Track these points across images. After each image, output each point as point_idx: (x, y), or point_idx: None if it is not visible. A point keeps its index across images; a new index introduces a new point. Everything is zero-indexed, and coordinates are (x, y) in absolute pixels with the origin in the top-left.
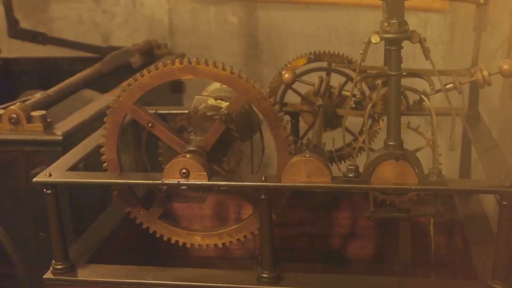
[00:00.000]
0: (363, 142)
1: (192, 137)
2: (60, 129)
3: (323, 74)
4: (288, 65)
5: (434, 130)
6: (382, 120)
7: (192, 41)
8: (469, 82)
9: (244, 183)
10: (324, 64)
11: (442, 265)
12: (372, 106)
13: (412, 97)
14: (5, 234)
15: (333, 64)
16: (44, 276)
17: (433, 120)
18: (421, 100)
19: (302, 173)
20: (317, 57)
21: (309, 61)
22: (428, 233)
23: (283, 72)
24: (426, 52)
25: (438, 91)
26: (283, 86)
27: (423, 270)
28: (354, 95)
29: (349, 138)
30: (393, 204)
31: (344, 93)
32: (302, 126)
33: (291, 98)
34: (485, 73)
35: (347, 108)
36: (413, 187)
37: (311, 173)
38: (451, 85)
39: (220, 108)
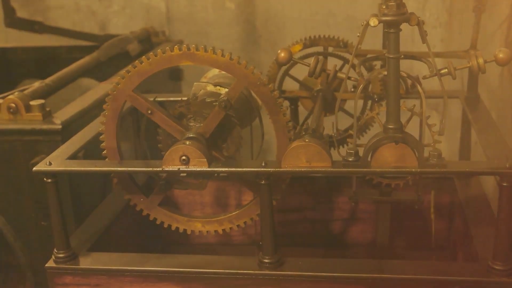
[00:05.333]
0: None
1: (191, 124)
2: (59, 118)
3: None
4: None
5: (423, 114)
6: (382, 105)
7: (189, 28)
8: (464, 68)
9: (244, 169)
10: (320, 48)
11: (443, 248)
12: (364, 87)
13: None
14: (6, 223)
15: (330, 48)
16: (46, 265)
17: (423, 105)
18: (420, 83)
19: (302, 158)
20: (313, 42)
21: (305, 46)
22: (429, 216)
23: (279, 51)
24: (423, 34)
25: (433, 75)
26: (280, 73)
27: (424, 252)
28: (349, 77)
29: (350, 121)
30: (384, 187)
31: (339, 75)
32: (302, 113)
33: (289, 86)
34: (480, 60)
35: (341, 91)
36: (413, 170)
37: (311, 157)
38: (446, 70)
39: (219, 94)
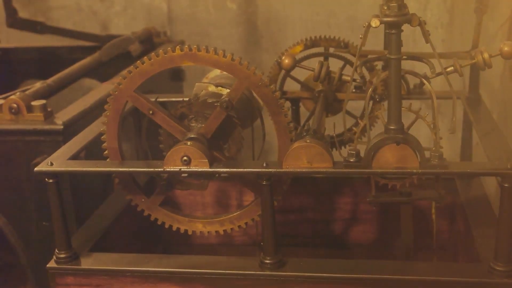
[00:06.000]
0: (364, 126)
1: (193, 124)
2: (61, 118)
3: (321, 59)
4: (285, 52)
5: (434, 114)
6: (383, 104)
7: (191, 28)
8: (470, 65)
9: (245, 170)
10: (321, 49)
11: (445, 249)
12: (372, 91)
13: (412, 80)
14: (7, 224)
15: (330, 49)
16: (47, 265)
17: (434, 104)
18: (422, 83)
19: (303, 158)
20: (314, 42)
21: (306, 47)
22: (430, 217)
23: (283, 58)
24: (426, 35)
25: (439, 74)
26: (282, 74)
27: (425, 253)
28: (354, 80)
29: (351, 121)
30: (394, 188)
31: (344, 77)
32: (303, 113)
33: (290, 87)
34: (486, 55)
35: (348, 92)
36: (414, 171)
37: (312, 158)
38: (452, 68)
39: (221, 95)
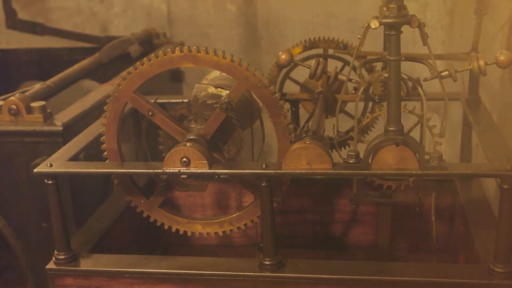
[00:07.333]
0: (360, 126)
1: (192, 126)
2: (60, 120)
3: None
4: None
5: (423, 115)
6: (382, 106)
7: (190, 30)
8: (466, 70)
9: (245, 171)
10: (320, 50)
11: (444, 250)
12: (364, 90)
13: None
14: (7, 225)
15: (329, 50)
16: (46, 267)
17: (424, 106)
18: (420, 85)
19: (303, 160)
20: (312, 44)
21: (305, 48)
22: (430, 218)
23: (280, 53)
24: (424, 37)
25: (434, 77)
26: (281, 75)
27: (425, 255)
28: (350, 79)
29: (351, 122)
30: (399, 189)
31: (340, 77)
32: (303, 115)
33: (290, 88)
34: (481, 62)
35: (342, 93)
36: (414, 172)
37: (312, 159)
38: (447, 72)
39: (221, 96)
